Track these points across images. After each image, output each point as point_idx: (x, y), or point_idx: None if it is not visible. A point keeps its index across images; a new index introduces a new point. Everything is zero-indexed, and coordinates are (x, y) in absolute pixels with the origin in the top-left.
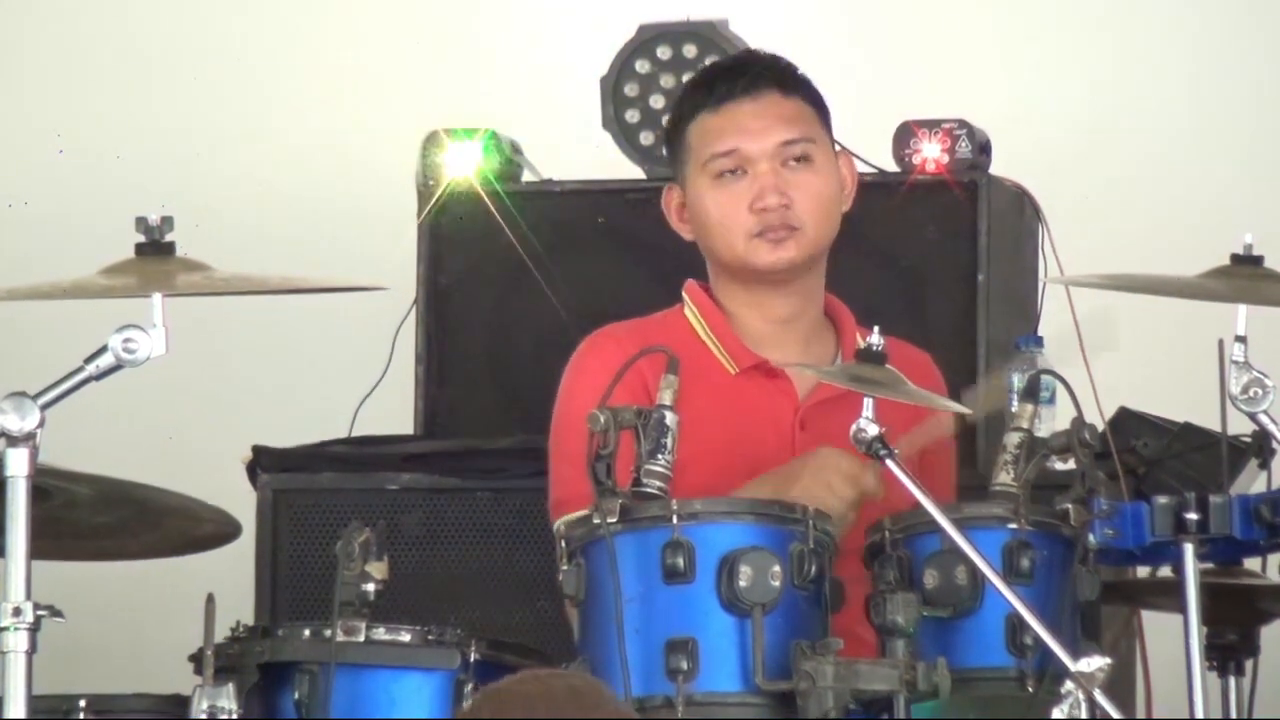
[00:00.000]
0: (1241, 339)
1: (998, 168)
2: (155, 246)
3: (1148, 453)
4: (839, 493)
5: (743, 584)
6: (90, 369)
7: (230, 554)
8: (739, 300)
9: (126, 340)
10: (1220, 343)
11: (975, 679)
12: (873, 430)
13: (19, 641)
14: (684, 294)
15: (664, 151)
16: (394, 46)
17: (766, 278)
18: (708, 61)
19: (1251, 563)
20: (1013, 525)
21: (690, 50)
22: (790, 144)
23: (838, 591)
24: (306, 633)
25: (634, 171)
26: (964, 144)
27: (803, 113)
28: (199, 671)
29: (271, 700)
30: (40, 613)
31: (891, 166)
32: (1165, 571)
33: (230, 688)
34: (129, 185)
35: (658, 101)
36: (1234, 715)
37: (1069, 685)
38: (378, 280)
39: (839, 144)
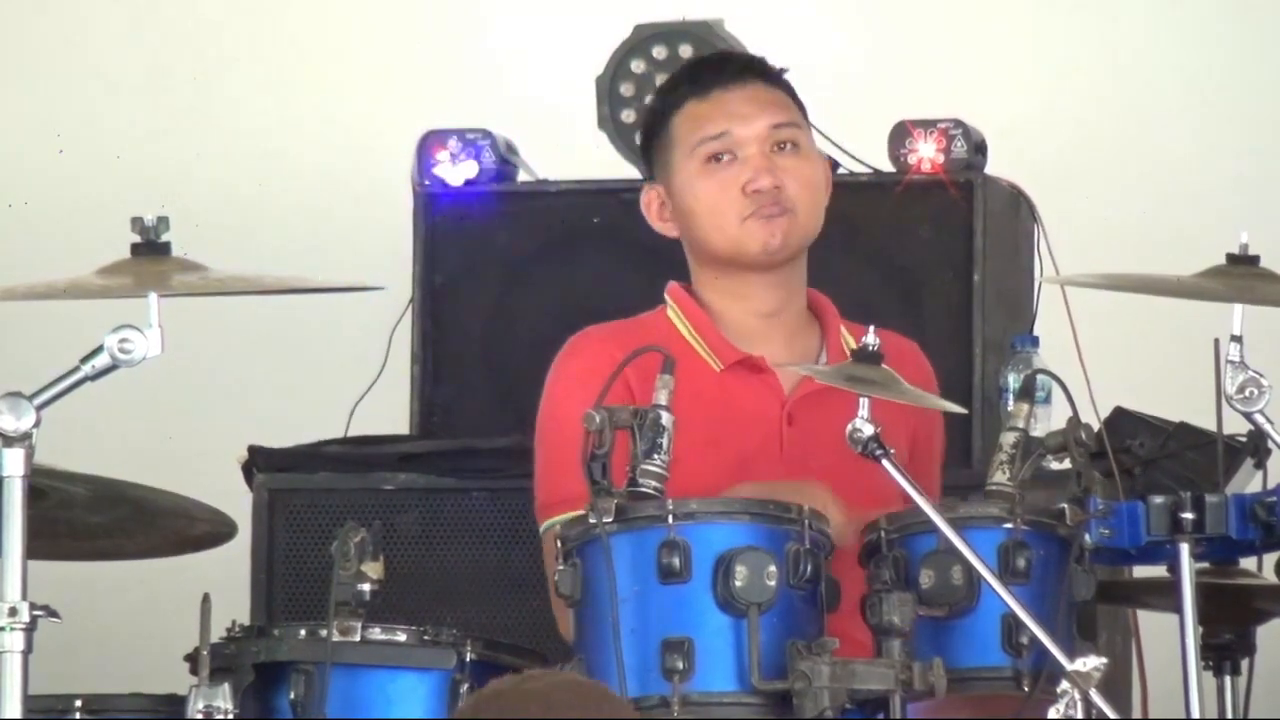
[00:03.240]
0: (1237, 338)
1: (993, 167)
2: (151, 247)
3: (1143, 452)
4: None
5: (738, 584)
6: (86, 369)
7: (226, 554)
8: (723, 294)
9: (122, 340)
10: (1216, 342)
11: (971, 679)
12: (868, 430)
13: (15, 642)
14: (666, 295)
15: (639, 156)
16: (390, 47)
17: (755, 264)
18: None
19: (1247, 562)
20: (1008, 525)
21: (686, 50)
22: (780, 127)
23: (833, 591)
24: (302, 633)
25: (629, 171)
26: (959, 144)
27: (788, 102)
28: (195, 671)
29: (267, 700)
30: (36, 613)
31: (887, 166)
32: (1161, 571)
33: (226, 688)
34: (128, 186)
35: None
36: (1230, 715)
37: (1065, 685)
38: (373, 280)
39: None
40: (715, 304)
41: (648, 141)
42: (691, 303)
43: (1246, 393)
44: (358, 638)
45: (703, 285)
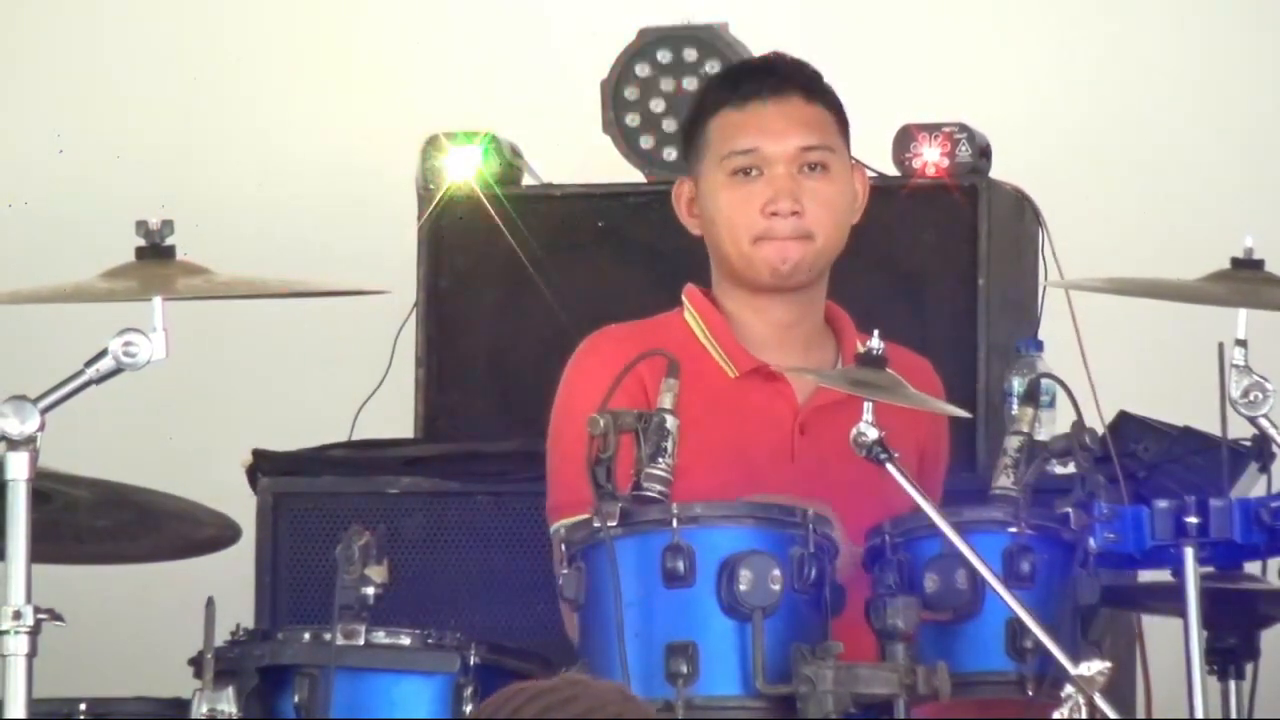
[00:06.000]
0: (1242, 343)
1: (998, 171)
2: (155, 250)
3: (1148, 456)
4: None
5: (743, 588)
6: (90, 372)
7: (230, 557)
8: (740, 302)
9: (126, 344)
10: (1220, 346)
11: (975, 683)
12: (873, 434)
13: (19, 645)
14: (683, 297)
15: (680, 145)
16: (394, 49)
17: (765, 286)
18: (708, 65)
19: (1252, 567)
20: (1013, 529)
21: (690, 54)
22: (809, 149)
23: (838, 595)
24: (306, 636)
25: (634, 175)
26: (964, 148)
27: (824, 120)
28: (199, 675)
29: (271, 703)
30: (40, 616)
31: (891, 170)
32: (1165, 575)
33: (230, 691)
34: (129, 187)
35: (658, 105)
36: (1234, 719)
37: (1069, 689)
38: (378, 283)
39: (854, 158)
40: (732, 310)
41: (686, 137)
42: (709, 306)
43: (1251, 397)
44: (362, 641)
45: (721, 290)
